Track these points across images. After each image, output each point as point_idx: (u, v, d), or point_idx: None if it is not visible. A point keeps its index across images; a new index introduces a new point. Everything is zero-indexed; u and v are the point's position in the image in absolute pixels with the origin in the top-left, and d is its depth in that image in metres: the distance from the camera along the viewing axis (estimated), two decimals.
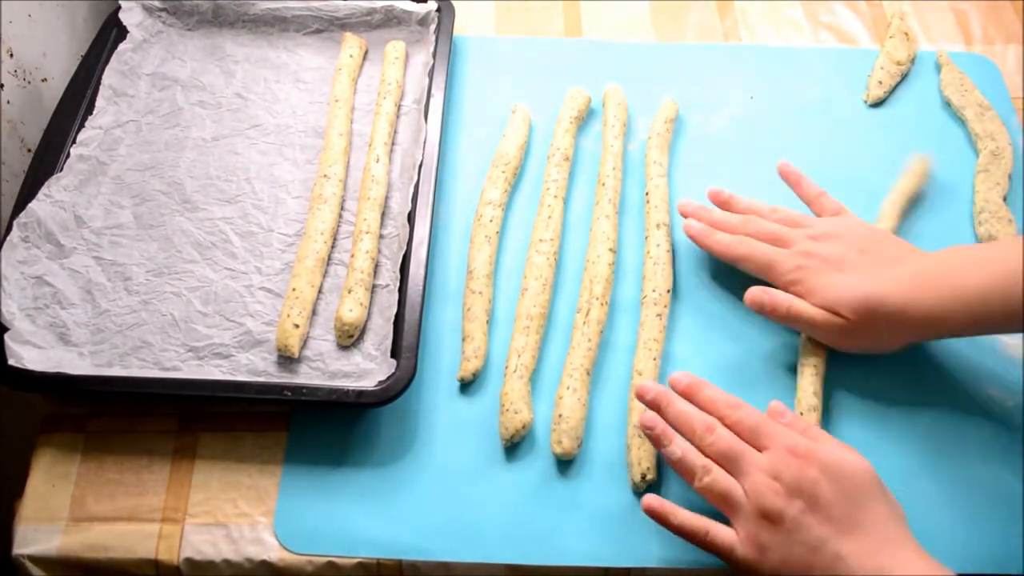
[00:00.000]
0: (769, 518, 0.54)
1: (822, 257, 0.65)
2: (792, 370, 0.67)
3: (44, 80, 0.80)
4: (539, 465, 0.64)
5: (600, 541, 0.61)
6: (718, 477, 0.57)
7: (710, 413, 0.59)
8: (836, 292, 0.63)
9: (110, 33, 0.81)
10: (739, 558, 0.55)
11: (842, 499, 0.54)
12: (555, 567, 0.60)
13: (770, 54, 0.87)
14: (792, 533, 0.54)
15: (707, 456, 0.58)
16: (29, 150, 0.77)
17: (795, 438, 0.56)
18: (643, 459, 0.62)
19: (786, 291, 0.65)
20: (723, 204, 0.72)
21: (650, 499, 0.58)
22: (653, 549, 0.60)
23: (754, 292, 0.66)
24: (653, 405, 0.60)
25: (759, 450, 0.57)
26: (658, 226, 0.72)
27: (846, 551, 0.53)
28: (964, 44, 0.89)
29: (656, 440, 0.59)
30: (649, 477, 0.61)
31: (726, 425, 0.58)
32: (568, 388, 0.64)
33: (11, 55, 0.76)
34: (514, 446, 0.64)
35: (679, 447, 0.58)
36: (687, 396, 0.60)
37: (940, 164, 0.78)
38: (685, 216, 0.71)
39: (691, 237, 0.70)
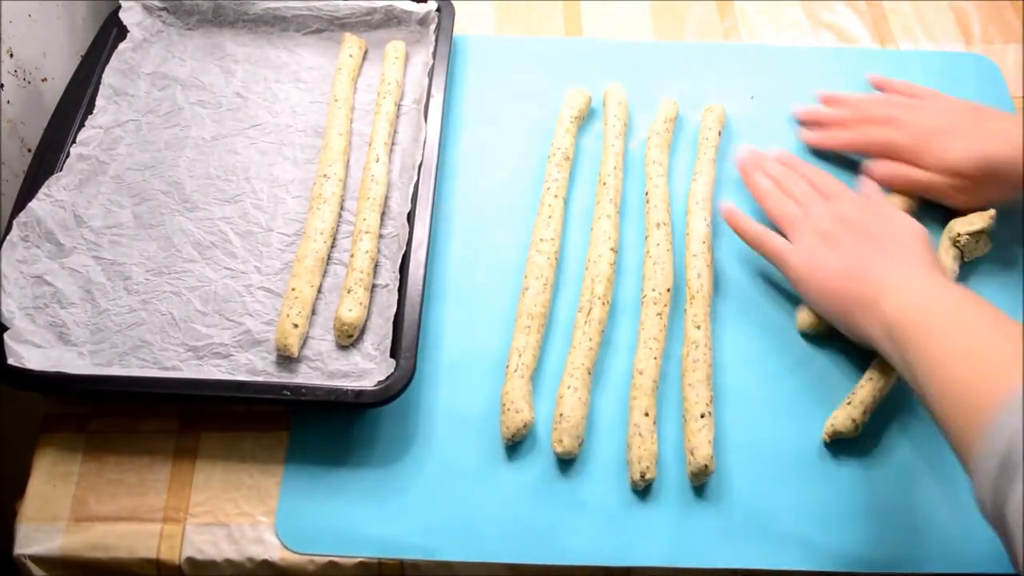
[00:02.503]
0: (827, 237, 0.65)
1: (934, 128, 0.71)
2: (804, 363, 0.68)
3: (44, 80, 0.80)
4: (540, 464, 0.64)
5: (601, 540, 0.61)
6: (790, 203, 0.68)
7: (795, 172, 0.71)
8: (954, 156, 0.69)
9: (110, 33, 0.81)
10: (791, 260, 0.66)
11: (895, 237, 0.63)
12: (555, 566, 0.60)
13: (770, 54, 0.87)
14: (843, 249, 0.63)
15: (787, 195, 0.69)
16: (29, 150, 0.77)
17: (866, 198, 0.68)
18: (643, 458, 0.62)
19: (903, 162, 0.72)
20: (829, 102, 0.79)
21: (727, 206, 0.70)
22: (653, 548, 0.60)
23: (871, 166, 0.73)
24: (751, 161, 0.73)
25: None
26: (658, 225, 0.72)
27: (884, 267, 0.61)
28: (964, 44, 0.89)
29: (744, 169, 0.72)
30: (649, 476, 0.61)
31: (806, 179, 0.70)
32: (569, 387, 0.64)
33: (11, 55, 0.76)
34: (515, 445, 0.64)
35: (764, 178, 0.71)
36: (780, 161, 0.72)
37: None
38: (801, 126, 0.78)
39: (817, 147, 0.77)
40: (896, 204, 0.72)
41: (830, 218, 0.66)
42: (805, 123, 0.78)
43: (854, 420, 0.63)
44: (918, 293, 0.58)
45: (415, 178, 0.72)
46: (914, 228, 0.64)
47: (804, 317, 0.68)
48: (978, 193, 0.70)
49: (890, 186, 0.73)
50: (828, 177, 0.70)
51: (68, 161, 0.73)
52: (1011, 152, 0.67)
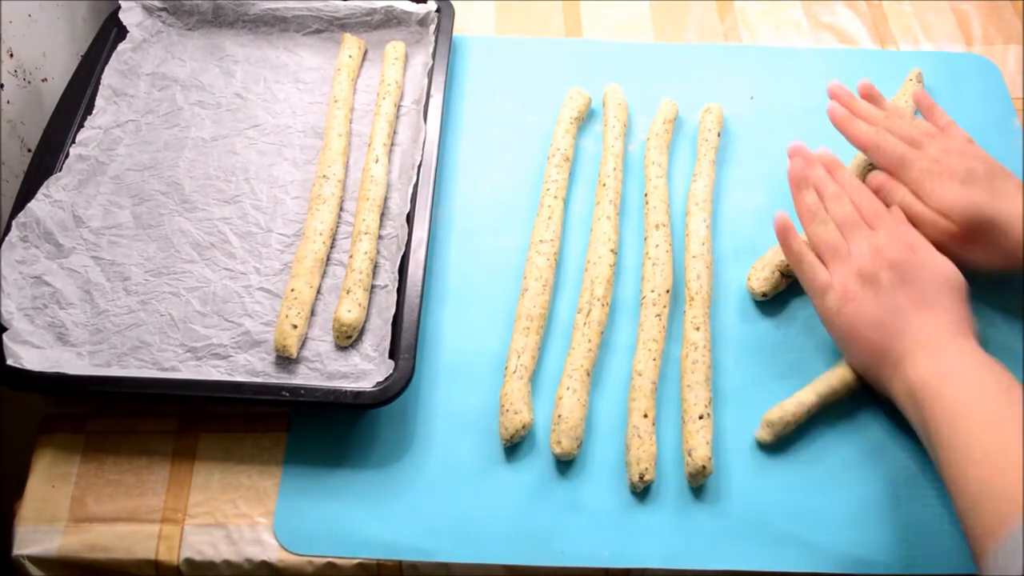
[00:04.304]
0: (865, 277, 0.63)
1: (951, 168, 0.67)
2: (804, 365, 0.67)
3: (44, 80, 0.80)
4: (539, 465, 0.64)
5: (600, 541, 0.61)
6: (832, 229, 0.66)
7: (840, 186, 0.68)
8: (953, 199, 0.66)
9: (110, 33, 0.81)
10: (827, 298, 0.64)
11: (929, 285, 0.62)
12: (555, 567, 0.60)
13: (770, 54, 0.87)
14: (878, 294, 0.62)
15: (830, 216, 0.67)
16: (29, 150, 0.77)
17: (906, 230, 0.65)
18: (642, 459, 0.62)
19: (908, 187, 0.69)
20: (870, 100, 0.75)
21: (782, 216, 0.67)
22: (653, 549, 0.60)
23: (878, 176, 0.70)
24: (800, 158, 0.70)
25: (872, 228, 0.65)
26: (657, 227, 0.72)
27: (916, 323, 0.60)
28: (964, 44, 0.89)
29: (795, 183, 0.69)
30: (647, 477, 0.61)
31: (849, 197, 0.67)
32: (568, 388, 0.64)
33: (11, 55, 0.76)
34: (514, 446, 0.64)
35: (811, 196, 0.68)
36: (826, 168, 0.69)
37: None
38: (832, 97, 0.74)
39: (833, 120, 0.73)
40: None
41: (869, 253, 0.63)
42: (836, 98, 0.75)
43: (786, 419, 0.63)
44: (945, 362, 0.58)
45: (414, 179, 0.72)
46: (949, 275, 0.63)
47: (756, 283, 0.70)
48: (967, 248, 0.66)
49: (880, 196, 0.69)
50: (868, 195, 0.68)
51: (67, 161, 0.73)
52: (1007, 211, 0.64)
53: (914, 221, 0.67)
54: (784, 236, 0.67)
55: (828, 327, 0.65)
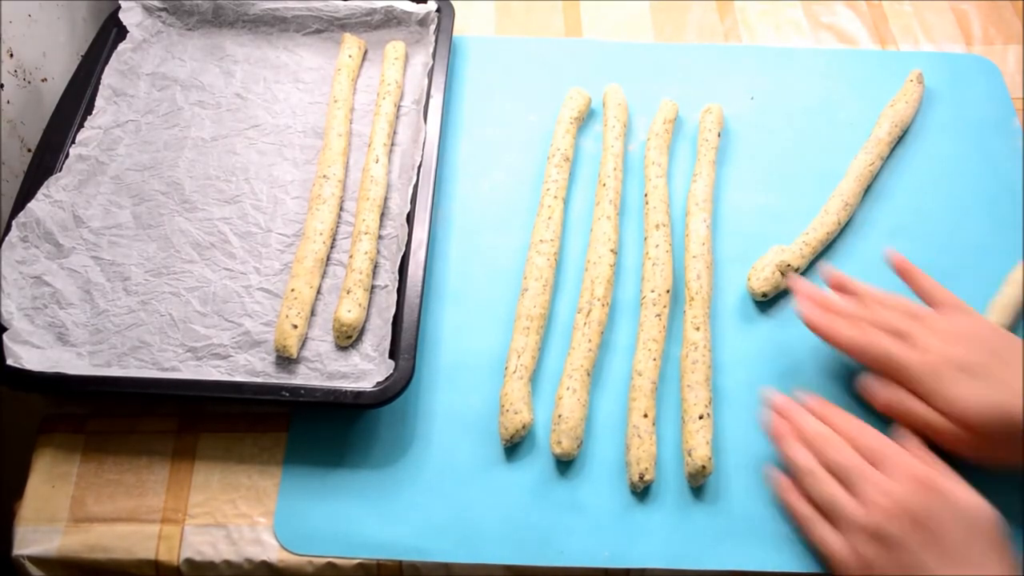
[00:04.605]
0: (882, 540, 0.54)
1: (950, 360, 0.59)
2: (803, 365, 0.68)
3: (44, 80, 0.80)
4: (539, 465, 0.64)
5: (600, 541, 0.61)
6: (831, 485, 0.57)
7: (833, 428, 0.60)
8: (966, 402, 0.58)
9: (110, 33, 0.81)
10: (841, 564, 0.56)
11: (956, 533, 0.53)
12: (555, 567, 0.60)
13: (770, 54, 0.87)
14: (901, 559, 0.53)
15: (825, 468, 0.58)
16: (29, 150, 0.77)
17: (920, 467, 0.56)
18: (642, 459, 0.62)
19: (908, 390, 0.61)
20: (838, 288, 0.67)
21: (775, 475, 0.60)
22: (653, 549, 0.60)
23: (874, 386, 0.63)
24: (779, 411, 0.62)
25: (880, 470, 0.56)
26: (657, 227, 0.72)
27: None
28: (964, 44, 0.89)
29: (777, 438, 0.61)
30: (647, 477, 0.61)
31: (847, 440, 0.59)
32: (568, 388, 0.64)
33: (11, 55, 0.75)
34: (514, 446, 0.64)
35: (798, 449, 0.59)
36: (815, 413, 0.61)
37: (936, 162, 0.78)
38: (800, 298, 0.66)
39: (810, 326, 0.64)
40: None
41: (881, 504, 0.54)
42: (804, 299, 0.66)
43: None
44: None
45: (414, 179, 0.72)
46: (978, 516, 0.54)
47: (756, 283, 0.69)
48: (989, 449, 0.58)
49: (889, 416, 0.62)
50: (868, 432, 0.59)
51: (67, 161, 0.73)
52: None
53: (928, 432, 0.59)
54: (785, 498, 0.60)
55: None
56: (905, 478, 0.55)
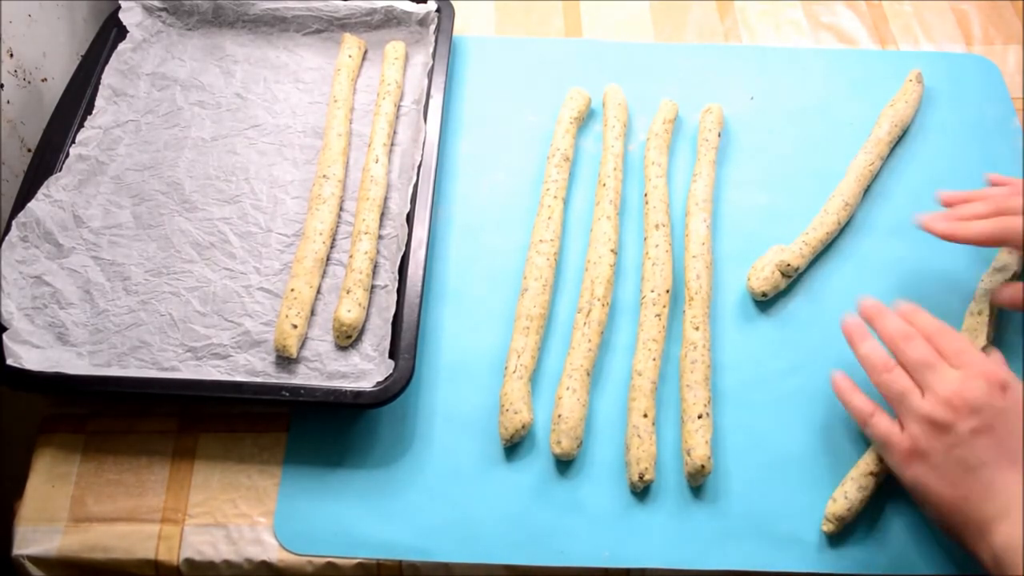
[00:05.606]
0: (936, 426, 0.54)
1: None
2: (802, 365, 0.67)
3: (44, 80, 0.80)
4: (538, 465, 0.64)
5: (600, 541, 0.61)
6: (901, 374, 0.58)
7: (915, 328, 0.60)
8: None
9: (110, 33, 0.81)
10: (893, 450, 0.57)
11: (1017, 435, 0.53)
12: (555, 567, 0.60)
13: (770, 54, 0.87)
14: (953, 447, 0.54)
15: (901, 362, 0.58)
16: (29, 150, 0.77)
17: (996, 368, 0.56)
18: (642, 459, 0.62)
19: None
20: (961, 201, 0.67)
21: (839, 375, 0.61)
22: (653, 549, 0.60)
23: (1008, 290, 0.65)
24: (866, 315, 0.62)
25: (955, 367, 0.57)
26: (657, 227, 0.72)
27: (1001, 482, 0.52)
28: (964, 44, 0.89)
29: (850, 336, 0.61)
30: (647, 477, 0.61)
31: (927, 338, 0.59)
32: (568, 388, 0.64)
33: (11, 55, 0.76)
34: (514, 446, 0.64)
35: (871, 344, 0.60)
36: (903, 316, 0.61)
37: (936, 162, 0.78)
38: (925, 222, 0.65)
39: (942, 232, 0.64)
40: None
41: (946, 395, 0.55)
42: (930, 220, 0.65)
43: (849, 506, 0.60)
44: None
45: (414, 179, 0.72)
46: None
47: (756, 283, 0.69)
48: None
49: (1019, 311, 0.64)
50: (952, 334, 0.59)
51: (67, 161, 0.73)
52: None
53: None
54: (846, 399, 0.60)
55: (904, 484, 0.58)
56: (978, 375, 0.55)
